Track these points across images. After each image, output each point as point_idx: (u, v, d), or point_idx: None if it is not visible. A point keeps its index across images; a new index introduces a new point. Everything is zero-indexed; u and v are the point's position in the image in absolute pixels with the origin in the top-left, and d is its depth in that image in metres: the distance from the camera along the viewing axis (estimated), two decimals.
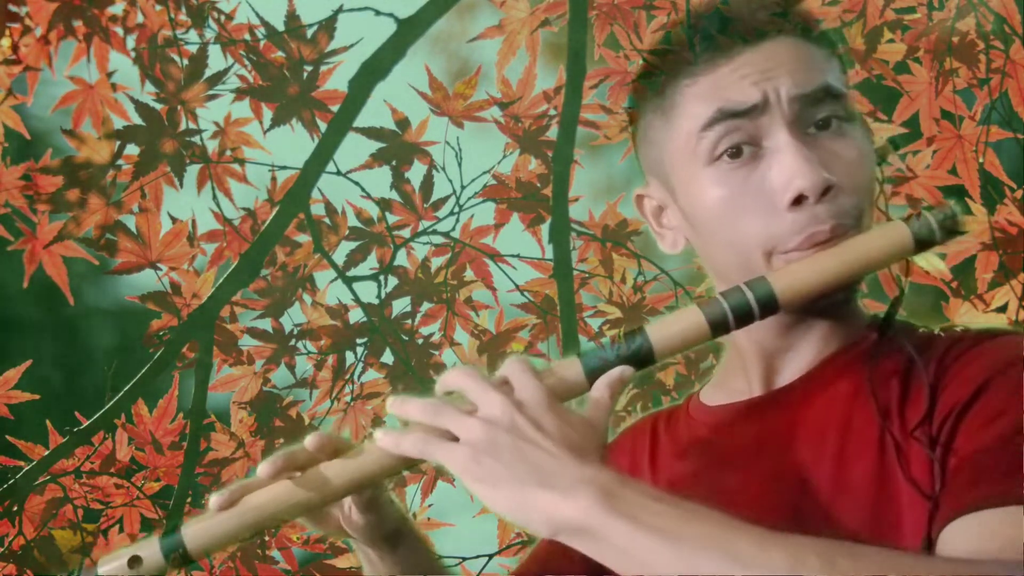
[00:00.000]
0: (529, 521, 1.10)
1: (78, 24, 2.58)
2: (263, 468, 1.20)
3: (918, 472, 1.13)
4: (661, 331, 1.19)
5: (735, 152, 1.22)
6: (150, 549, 1.21)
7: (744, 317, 1.18)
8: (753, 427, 1.24)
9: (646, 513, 1.07)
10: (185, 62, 2.61)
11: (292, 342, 2.74)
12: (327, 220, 2.72)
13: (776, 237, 1.21)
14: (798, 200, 1.19)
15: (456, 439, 1.13)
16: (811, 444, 1.19)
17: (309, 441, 1.20)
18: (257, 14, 2.63)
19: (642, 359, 1.18)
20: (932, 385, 1.15)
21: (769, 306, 1.18)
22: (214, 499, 1.20)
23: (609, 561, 1.08)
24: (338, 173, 2.67)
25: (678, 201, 1.28)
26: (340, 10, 2.62)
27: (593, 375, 1.17)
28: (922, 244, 1.19)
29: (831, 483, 1.16)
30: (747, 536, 1.05)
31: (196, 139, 2.63)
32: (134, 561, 1.20)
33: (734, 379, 1.30)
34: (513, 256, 2.76)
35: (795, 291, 1.19)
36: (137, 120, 2.61)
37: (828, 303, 1.23)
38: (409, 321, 2.75)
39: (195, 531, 1.21)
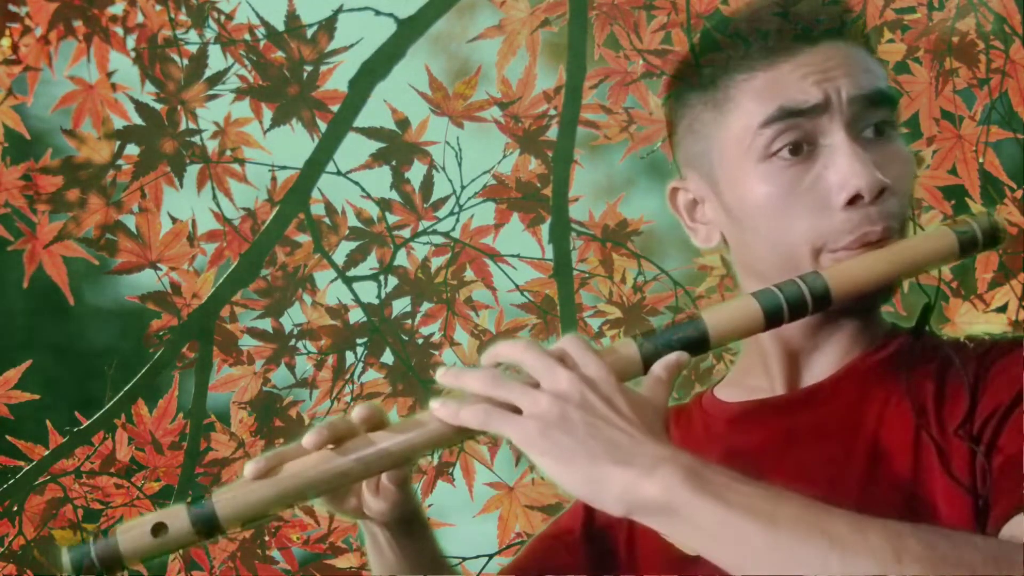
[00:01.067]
0: (603, 497, 1.07)
1: (78, 24, 2.58)
2: (308, 438, 1.15)
3: (959, 468, 1.14)
4: (717, 318, 1.19)
5: (794, 149, 1.23)
6: (177, 516, 1.13)
7: (798, 309, 1.19)
8: (780, 424, 1.25)
9: (735, 494, 1.05)
10: (185, 62, 2.61)
11: (292, 342, 2.74)
12: (327, 220, 2.71)
13: (827, 235, 1.22)
14: (853, 200, 1.21)
15: (519, 413, 1.10)
16: (842, 442, 1.20)
17: (356, 413, 1.18)
18: (257, 14, 2.63)
19: (697, 345, 1.18)
20: (972, 385, 1.16)
21: (823, 300, 1.19)
22: (250, 466, 1.15)
23: (694, 542, 1.06)
24: (338, 173, 2.67)
25: (721, 195, 1.28)
26: (340, 10, 2.62)
27: (649, 359, 1.16)
28: (966, 249, 1.22)
29: (862, 482, 1.17)
30: (844, 519, 1.03)
31: (196, 139, 2.63)
32: (159, 528, 1.13)
33: (754, 377, 1.30)
34: (513, 256, 2.76)
35: (848, 287, 1.20)
36: (137, 120, 2.61)
37: (867, 304, 1.24)
38: (409, 321, 2.75)
39: (227, 499, 1.14)
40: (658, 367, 1.16)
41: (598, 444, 1.07)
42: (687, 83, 1.30)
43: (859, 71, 1.25)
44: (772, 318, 1.19)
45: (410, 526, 1.29)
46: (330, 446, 1.17)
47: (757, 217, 1.25)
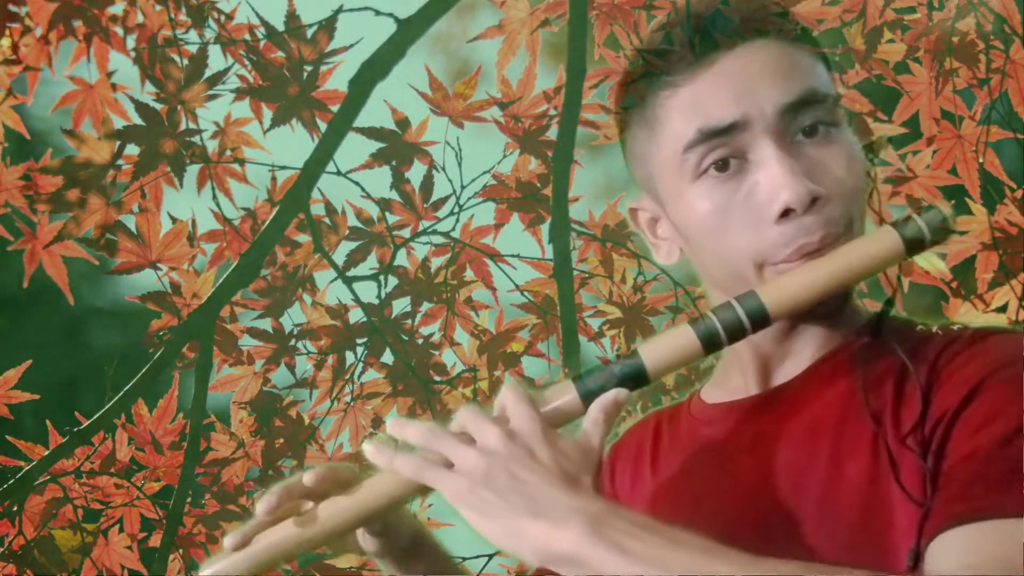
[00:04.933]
0: (522, 551, 1.12)
1: (78, 24, 2.58)
2: (261, 507, 1.22)
3: (909, 478, 1.12)
4: (654, 351, 1.20)
5: (721, 165, 1.21)
6: None
7: (736, 333, 1.19)
8: (748, 426, 1.24)
9: (633, 542, 1.08)
10: (185, 62, 2.61)
11: (292, 342, 2.74)
12: (327, 220, 2.71)
13: (765, 250, 1.20)
14: (785, 213, 1.19)
15: (452, 467, 1.14)
16: (804, 444, 1.19)
17: (307, 478, 1.22)
18: (257, 14, 2.63)
19: (636, 380, 1.19)
20: (925, 388, 1.14)
21: (760, 320, 1.19)
22: (228, 539, 1.22)
23: None
24: (338, 173, 2.67)
25: (669, 214, 1.27)
26: (340, 10, 2.62)
27: (588, 398, 1.18)
28: (913, 247, 1.18)
29: (824, 483, 1.16)
30: (731, 563, 1.06)
31: (196, 139, 2.63)
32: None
33: (732, 377, 1.30)
34: (513, 256, 2.76)
35: (786, 304, 1.19)
36: (137, 120, 2.61)
37: (821, 311, 1.22)
38: (409, 321, 2.75)
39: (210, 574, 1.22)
40: (594, 409, 1.18)
41: (518, 498, 1.11)
42: (624, 107, 1.29)
43: (783, 75, 1.21)
44: (710, 344, 1.19)
45: (414, 554, 1.33)
46: (309, 504, 1.22)
47: (700, 234, 1.24)
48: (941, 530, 1.07)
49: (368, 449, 1.19)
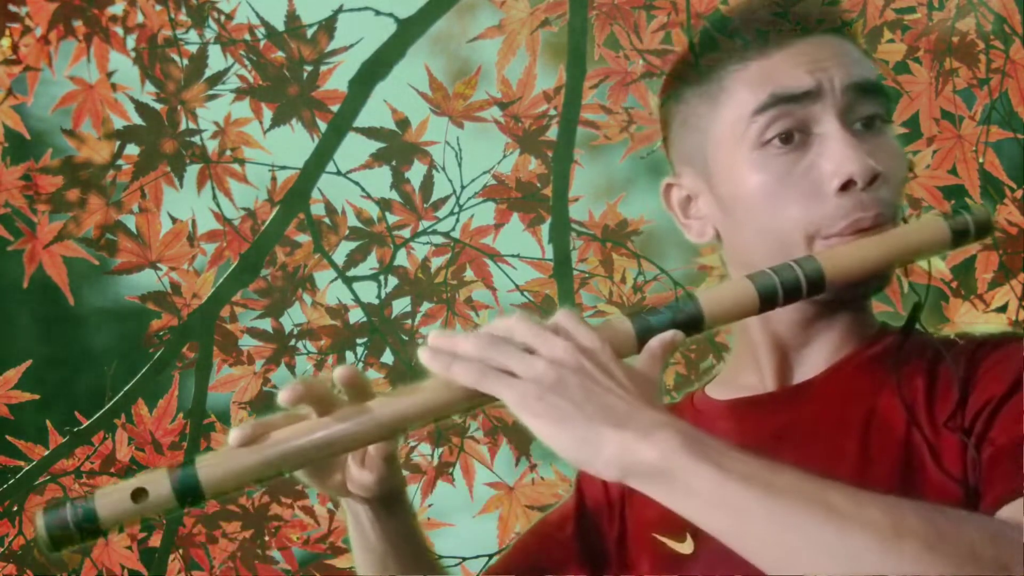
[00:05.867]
0: (597, 459, 1.05)
1: (78, 24, 2.58)
2: (283, 395, 1.12)
3: (950, 463, 1.14)
4: (713, 298, 1.18)
5: (786, 137, 1.23)
6: (158, 482, 1.08)
7: (793, 292, 1.18)
8: (771, 421, 1.25)
9: (733, 461, 1.03)
10: (185, 62, 2.61)
11: (292, 342, 2.74)
12: (327, 220, 2.71)
13: (820, 221, 1.22)
14: (846, 185, 1.21)
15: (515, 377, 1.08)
16: (833, 439, 1.20)
17: (338, 373, 1.13)
18: (257, 14, 2.63)
19: (692, 325, 1.17)
20: (962, 380, 1.16)
21: (817, 284, 1.19)
22: (234, 433, 1.11)
23: (688, 509, 1.04)
24: (338, 173, 2.67)
25: (715, 188, 1.28)
26: (340, 10, 2.62)
27: (643, 336, 1.15)
28: (959, 239, 1.22)
29: (855, 478, 1.15)
30: (843, 492, 1.02)
31: (196, 139, 2.63)
32: (139, 494, 1.07)
33: (745, 375, 1.30)
34: (513, 256, 2.76)
35: (842, 272, 1.19)
36: (137, 120, 2.61)
37: (859, 292, 1.24)
38: (409, 321, 2.75)
39: (211, 465, 1.09)
40: (653, 343, 1.14)
41: (594, 408, 1.05)
42: (684, 80, 1.31)
43: (851, 62, 1.25)
44: (767, 300, 1.18)
45: (393, 504, 1.28)
46: (316, 415, 1.13)
47: (750, 206, 1.25)
48: (1001, 504, 1.07)
49: (424, 354, 1.10)
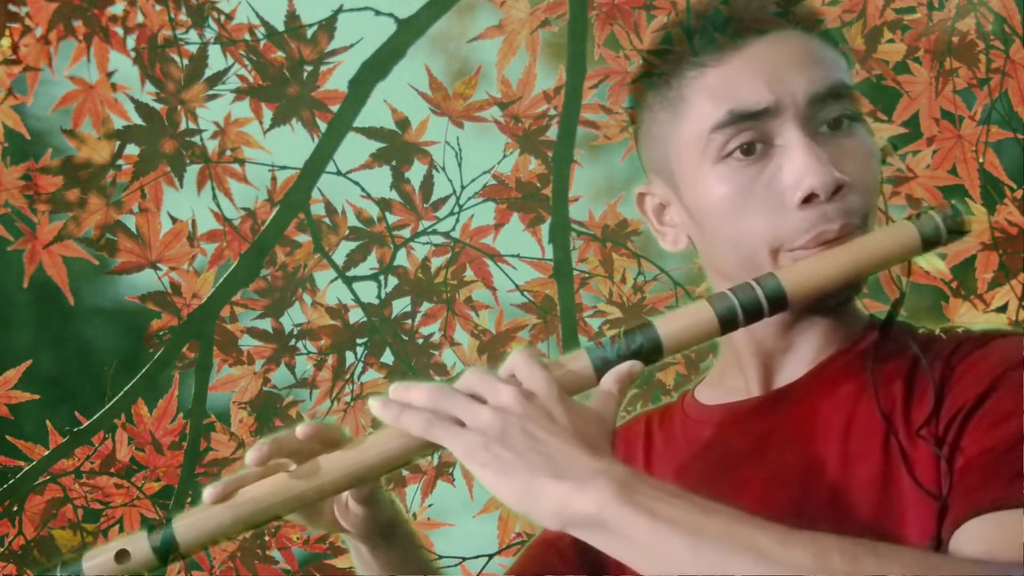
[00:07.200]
0: (538, 511, 1.06)
1: (78, 24, 2.58)
2: (250, 456, 1.16)
3: (923, 473, 1.12)
4: (670, 326, 1.17)
5: (747, 149, 1.21)
6: (138, 543, 1.16)
7: (754, 313, 1.17)
8: (755, 426, 1.24)
9: (665, 507, 1.04)
10: (185, 62, 2.61)
11: (292, 342, 2.74)
12: (327, 220, 2.72)
13: (784, 235, 1.20)
14: (809, 198, 1.19)
15: (463, 427, 1.09)
16: (814, 444, 1.19)
17: (300, 430, 1.16)
18: (257, 14, 2.63)
19: (650, 354, 1.16)
20: (938, 384, 1.15)
21: (778, 303, 1.17)
22: (208, 491, 1.15)
23: (624, 556, 1.06)
24: (338, 173, 2.67)
25: (682, 198, 1.27)
26: (340, 10, 2.62)
27: (600, 370, 1.15)
28: (928, 244, 1.19)
29: (834, 484, 1.15)
30: (769, 533, 1.03)
31: (196, 139, 2.63)
32: (121, 555, 1.15)
33: (731, 378, 1.29)
34: (513, 256, 2.76)
35: (804, 288, 1.18)
36: (137, 120, 2.61)
37: (830, 302, 1.22)
38: (409, 321, 2.75)
39: (187, 525, 1.16)
40: (608, 379, 1.15)
41: (536, 457, 1.07)
42: (647, 85, 1.28)
43: (813, 65, 1.22)
44: (727, 323, 1.17)
45: (389, 537, 1.29)
46: (292, 465, 1.17)
47: (715, 218, 1.23)
48: (966, 519, 1.07)
49: (374, 404, 1.13)
